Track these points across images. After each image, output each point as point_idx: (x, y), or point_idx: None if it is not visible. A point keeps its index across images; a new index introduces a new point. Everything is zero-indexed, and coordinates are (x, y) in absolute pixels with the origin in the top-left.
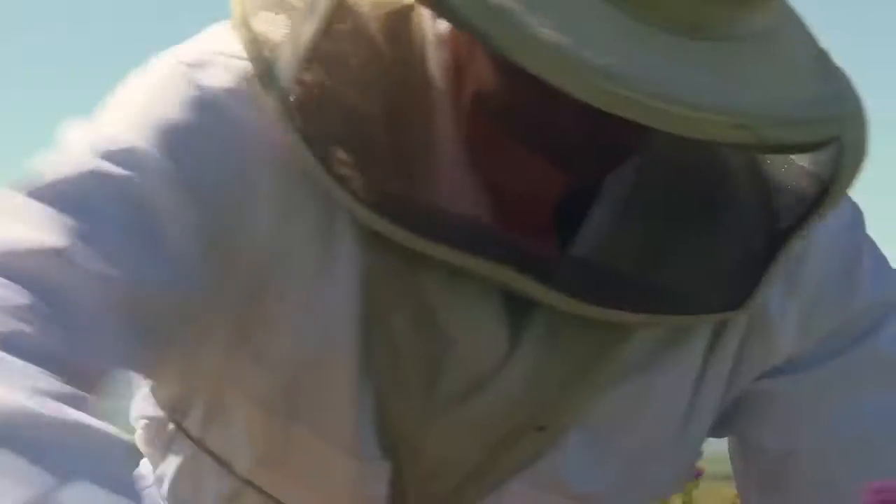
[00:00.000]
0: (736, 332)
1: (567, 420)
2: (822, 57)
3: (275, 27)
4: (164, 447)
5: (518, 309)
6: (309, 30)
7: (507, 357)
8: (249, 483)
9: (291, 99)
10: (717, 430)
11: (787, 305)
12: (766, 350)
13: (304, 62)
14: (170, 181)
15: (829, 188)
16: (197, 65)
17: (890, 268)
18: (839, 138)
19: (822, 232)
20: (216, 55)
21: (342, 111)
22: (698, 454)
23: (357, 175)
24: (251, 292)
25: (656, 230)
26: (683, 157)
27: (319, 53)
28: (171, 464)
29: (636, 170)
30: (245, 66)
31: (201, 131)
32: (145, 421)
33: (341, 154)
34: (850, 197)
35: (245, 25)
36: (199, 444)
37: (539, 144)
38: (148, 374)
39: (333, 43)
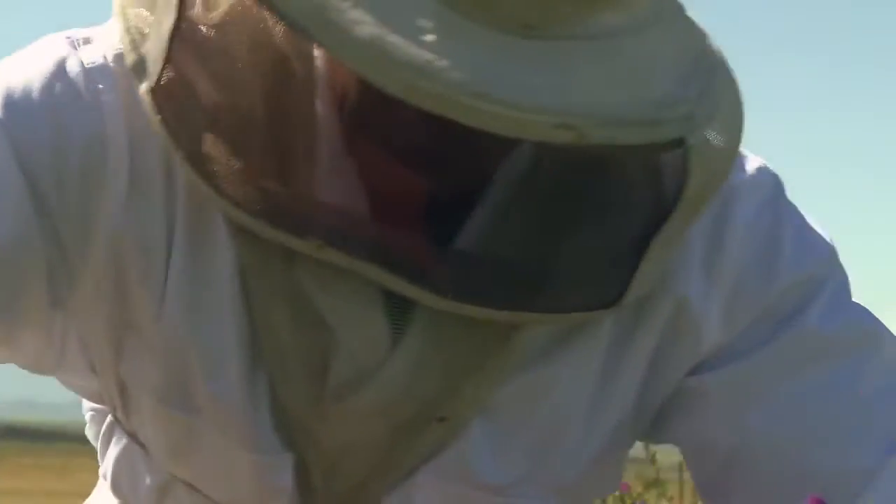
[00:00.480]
0: (653, 326)
1: (468, 411)
2: (694, 58)
3: (145, 20)
4: (106, 439)
5: (400, 301)
6: (167, 22)
7: (390, 349)
8: (173, 475)
9: (158, 90)
10: (658, 435)
11: (709, 296)
12: (692, 343)
13: (166, 55)
14: (10, 145)
15: (683, 191)
16: (80, 40)
17: (813, 238)
18: (682, 141)
19: (740, 215)
20: (103, 37)
21: (211, 105)
22: (621, 452)
23: (224, 170)
24: (112, 280)
25: (534, 230)
26: (564, 158)
27: (187, 46)
28: (111, 455)
29: (517, 170)
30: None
31: (57, 99)
32: (91, 413)
33: (208, 148)
34: (767, 168)
35: (122, 14)
36: (131, 435)
37: (385, 145)
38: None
39: (201, 36)
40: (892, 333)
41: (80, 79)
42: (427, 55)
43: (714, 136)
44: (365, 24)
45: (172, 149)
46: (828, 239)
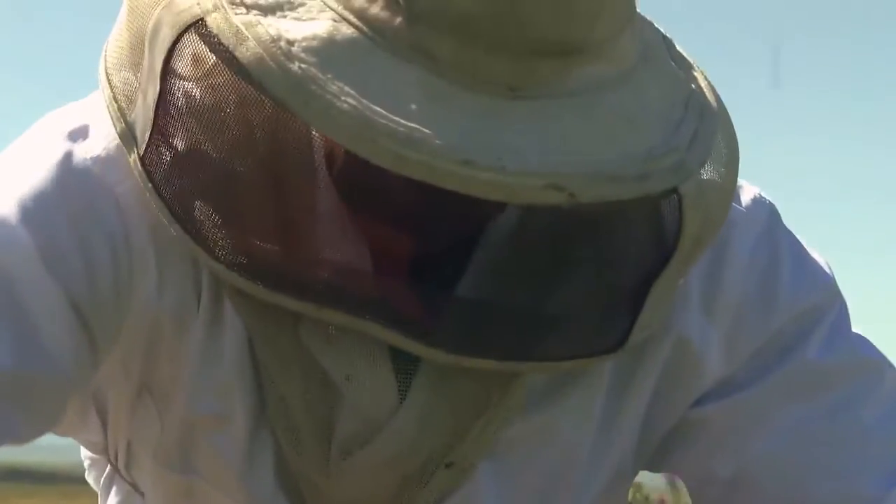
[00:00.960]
0: (653, 366)
1: (474, 456)
2: (684, 100)
3: (131, 86)
4: (107, 485)
5: (405, 353)
6: (152, 92)
7: (397, 402)
8: None
9: (147, 159)
10: (660, 464)
11: (709, 333)
12: (693, 379)
13: (153, 123)
14: (40, 258)
15: (679, 237)
16: (77, 132)
17: (812, 267)
18: (675, 190)
19: (737, 249)
20: (97, 120)
21: (202, 169)
22: (625, 485)
23: (217, 233)
24: (141, 354)
25: (531, 279)
26: (559, 210)
27: (173, 112)
28: (113, 502)
29: (510, 220)
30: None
31: (74, 207)
32: (89, 461)
33: (200, 212)
34: (762, 198)
35: (108, 84)
36: (132, 485)
37: (375, 208)
38: (40, 434)
39: (188, 100)
40: (891, 363)
41: (91, 178)
42: (411, 124)
43: (708, 181)
44: (347, 97)
45: (164, 216)
46: (826, 267)
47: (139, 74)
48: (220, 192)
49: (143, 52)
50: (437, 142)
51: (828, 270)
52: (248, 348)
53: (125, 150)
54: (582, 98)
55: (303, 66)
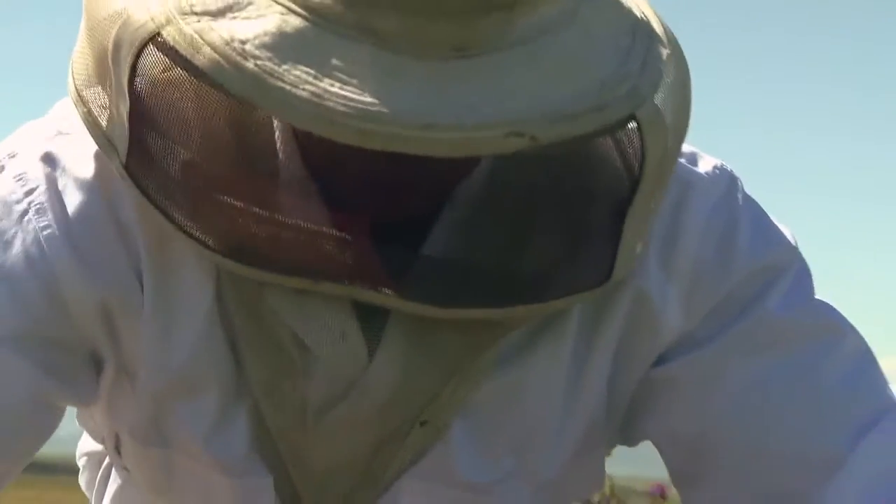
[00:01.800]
0: (615, 320)
1: (447, 414)
2: (631, 29)
3: (103, 99)
4: (103, 482)
5: (372, 314)
6: (124, 106)
7: (367, 362)
8: None
9: (130, 163)
10: (631, 433)
11: (667, 288)
12: (652, 334)
13: (129, 132)
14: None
15: (644, 161)
16: (57, 144)
17: (771, 229)
18: (632, 117)
19: (696, 209)
20: (75, 131)
21: (182, 168)
22: (598, 449)
23: (192, 215)
24: (104, 338)
25: (505, 226)
26: (525, 155)
27: (147, 116)
28: (110, 492)
29: (480, 174)
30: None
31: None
32: (86, 458)
33: (178, 197)
34: (723, 165)
35: (80, 101)
36: (127, 470)
37: (344, 183)
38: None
39: (158, 102)
40: (853, 326)
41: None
42: (369, 98)
43: (664, 102)
44: (304, 84)
45: (155, 212)
46: (789, 235)
47: (108, 88)
48: (199, 185)
49: (108, 66)
50: (396, 111)
51: (789, 237)
52: (216, 310)
53: (106, 158)
54: (527, 46)
55: (258, 62)
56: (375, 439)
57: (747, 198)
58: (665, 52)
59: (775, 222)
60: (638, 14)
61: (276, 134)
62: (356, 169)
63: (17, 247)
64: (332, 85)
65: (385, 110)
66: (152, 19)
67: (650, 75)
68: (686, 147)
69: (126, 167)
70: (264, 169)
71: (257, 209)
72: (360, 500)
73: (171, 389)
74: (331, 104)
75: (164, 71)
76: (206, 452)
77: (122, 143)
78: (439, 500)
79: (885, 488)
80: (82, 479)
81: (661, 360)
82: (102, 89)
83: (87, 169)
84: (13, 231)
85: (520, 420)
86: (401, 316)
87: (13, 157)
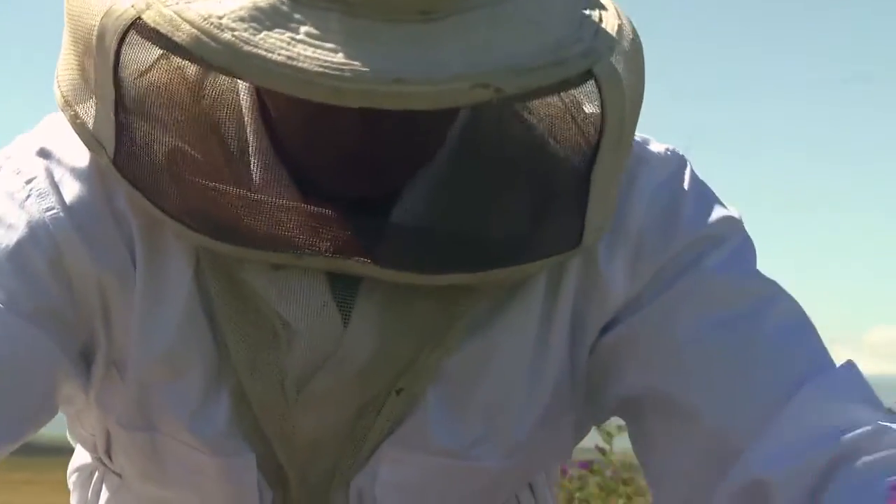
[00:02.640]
0: (570, 287)
1: (422, 381)
2: (583, 4)
3: (89, 101)
4: (95, 494)
5: (345, 285)
6: (108, 108)
7: (341, 333)
8: None
9: (118, 159)
10: (598, 410)
11: (614, 255)
12: (602, 300)
13: (116, 131)
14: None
15: (604, 117)
16: (47, 147)
17: (716, 204)
18: (591, 72)
19: (644, 181)
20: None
21: (161, 151)
22: (565, 416)
23: (178, 201)
24: (101, 323)
25: (476, 193)
26: (487, 125)
27: (130, 115)
28: (103, 501)
29: (447, 148)
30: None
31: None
32: (76, 474)
33: (165, 186)
34: (674, 149)
35: (66, 105)
36: (116, 474)
37: (319, 158)
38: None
39: (141, 101)
40: (790, 295)
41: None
42: (341, 58)
43: (619, 64)
44: (279, 51)
45: (143, 204)
46: (735, 212)
47: (93, 87)
48: (180, 170)
49: (93, 63)
50: (368, 69)
51: (735, 214)
52: (196, 293)
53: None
54: (487, 9)
55: (234, 33)
56: (355, 409)
57: (695, 177)
58: (617, 23)
59: (721, 201)
60: None
61: (247, 117)
62: (330, 142)
63: (21, 228)
64: (306, 49)
65: (357, 68)
66: (133, 6)
67: (604, 40)
68: (639, 134)
69: (114, 162)
70: (241, 151)
71: (236, 189)
72: (343, 472)
73: (156, 371)
74: (305, 66)
75: (146, 54)
76: (191, 433)
77: (110, 140)
78: (417, 466)
79: (810, 444)
80: (73, 499)
81: (608, 327)
82: (87, 91)
83: (82, 160)
84: (16, 214)
85: (490, 385)
86: (373, 286)
87: (9, 158)
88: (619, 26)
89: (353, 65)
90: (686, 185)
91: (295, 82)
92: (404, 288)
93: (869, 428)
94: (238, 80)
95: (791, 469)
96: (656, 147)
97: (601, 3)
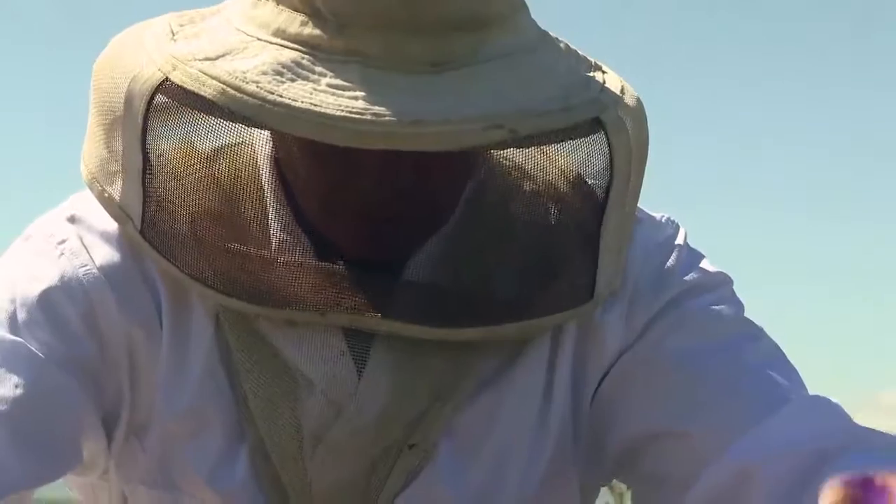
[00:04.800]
0: (570, 339)
1: (434, 435)
2: (587, 66)
3: (114, 176)
4: None
5: (360, 337)
6: (137, 164)
7: (356, 386)
8: None
9: (145, 229)
10: (602, 466)
11: (610, 307)
12: (600, 352)
13: (142, 194)
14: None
15: (613, 165)
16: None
17: (705, 265)
18: (598, 119)
19: (640, 241)
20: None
21: (185, 221)
22: (571, 471)
23: (204, 266)
24: (127, 385)
25: (485, 253)
26: (500, 186)
27: (156, 188)
28: None
29: (462, 209)
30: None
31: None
32: None
33: (191, 252)
34: (669, 218)
35: (94, 182)
36: None
37: (341, 210)
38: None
39: (167, 174)
40: (772, 338)
41: (41, 254)
42: (361, 104)
43: (625, 116)
44: (303, 100)
45: (171, 270)
46: (725, 275)
47: (120, 160)
48: (208, 235)
49: (119, 134)
50: (387, 112)
51: (725, 275)
52: (216, 350)
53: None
54: (498, 61)
55: (259, 84)
56: (369, 462)
57: (688, 244)
58: (620, 84)
59: (712, 265)
60: (592, 61)
61: (267, 185)
62: (349, 207)
63: (55, 282)
64: (328, 97)
65: (377, 111)
66: (159, 69)
67: (610, 94)
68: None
69: (141, 232)
70: (262, 217)
71: (260, 253)
72: None
73: (179, 427)
74: (328, 111)
75: (172, 114)
76: (210, 488)
77: (137, 211)
78: None
79: (796, 441)
80: None
81: (605, 374)
82: (114, 164)
83: (110, 225)
84: (50, 270)
85: (498, 438)
86: (386, 339)
87: (39, 227)
88: (623, 87)
89: (373, 109)
90: (680, 248)
91: (318, 126)
92: (418, 341)
93: (855, 431)
94: (257, 152)
95: (776, 458)
96: (653, 213)
97: (601, 67)
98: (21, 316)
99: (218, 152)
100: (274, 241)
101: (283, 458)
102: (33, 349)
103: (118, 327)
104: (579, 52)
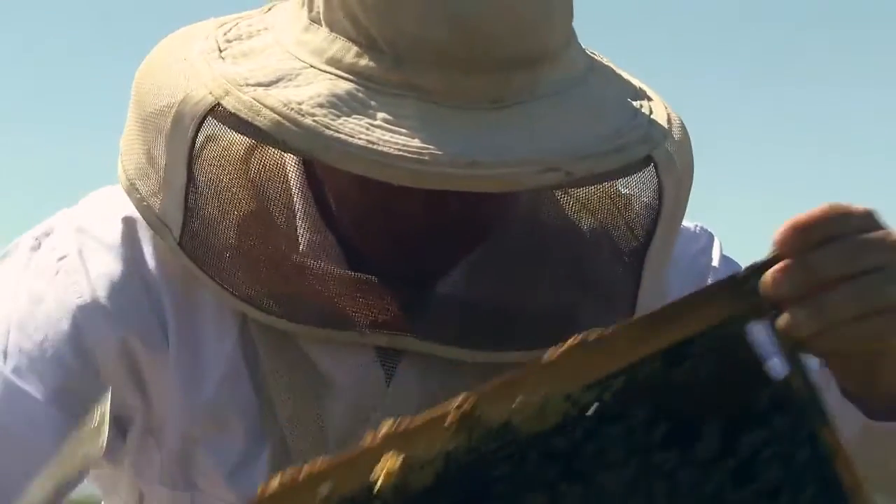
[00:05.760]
0: None
1: None
2: (634, 94)
3: (155, 184)
4: None
5: (390, 349)
6: (181, 179)
7: (385, 390)
8: None
9: (184, 241)
10: None
11: None
12: None
13: (184, 208)
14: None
15: (661, 200)
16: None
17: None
18: (651, 157)
19: (678, 256)
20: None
21: (221, 236)
22: None
23: (238, 277)
24: (132, 389)
25: (526, 275)
26: (542, 205)
27: (204, 189)
28: None
29: (505, 232)
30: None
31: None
32: None
33: (227, 265)
34: (703, 227)
35: (133, 189)
36: None
37: (386, 238)
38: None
39: (207, 184)
40: None
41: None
42: (418, 143)
43: (672, 148)
44: (359, 136)
45: (206, 283)
46: None
47: (161, 172)
48: (240, 245)
49: (162, 151)
50: (443, 153)
51: None
52: (240, 349)
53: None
54: (551, 98)
55: (315, 118)
56: None
57: (723, 255)
58: (666, 113)
59: None
60: (636, 85)
61: (297, 202)
62: (392, 230)
63: (47, 303)
64: (384, 134)
65: (434, 151)
66: (211, 93)
67: (658, 128)
68: None
69: (180, 243)
70: (302, 235)
71: (302, 270)
72: None
73: (199, 425)
74: (385, 149)
75: (223, 139)
76: (229, 488)
77: (176, 223)
78: None
79: None
80: None
81: None
82: (154, 173)
83: (113, 233)
84: (45, 290)
85: None
86: (412, 359)
87: (48, 234)
88: (669, 115)
89: (429, 149)
90: (716, 258)
91: (375, 165)
92: (443, 361)
93: None
94: (289, 176)
95: None
96: (687, 223)
97: (647, 94)
98: (13, 339)
99: (256, 162)
100: (320, 262)
101: (305, 461)
102: (19, 385)
103: (106, 337)
104: (623, 74)
